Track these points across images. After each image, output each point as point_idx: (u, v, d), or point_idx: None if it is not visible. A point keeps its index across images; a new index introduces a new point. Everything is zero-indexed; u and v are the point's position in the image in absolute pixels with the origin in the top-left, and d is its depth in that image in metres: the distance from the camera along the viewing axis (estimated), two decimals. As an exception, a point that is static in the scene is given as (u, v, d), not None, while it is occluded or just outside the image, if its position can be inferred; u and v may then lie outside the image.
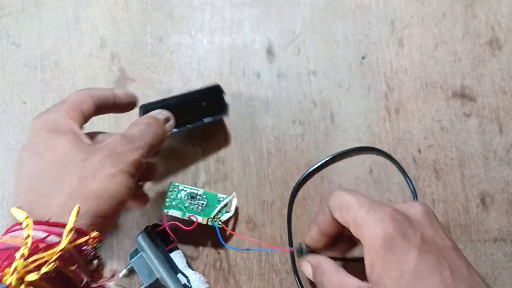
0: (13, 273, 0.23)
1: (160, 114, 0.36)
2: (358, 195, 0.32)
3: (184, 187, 0.41)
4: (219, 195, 0.41)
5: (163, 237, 0.40)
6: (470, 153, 0.44)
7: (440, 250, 0.28)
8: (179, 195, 0.41)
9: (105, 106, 0.35)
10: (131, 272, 0.41)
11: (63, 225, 0.26)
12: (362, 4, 0.47)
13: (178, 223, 0.40)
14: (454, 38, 0.46)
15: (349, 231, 0.31)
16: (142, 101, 0.39)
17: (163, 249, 0.40)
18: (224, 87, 0.45)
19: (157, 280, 0.38)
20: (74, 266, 0.26)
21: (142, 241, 0.39)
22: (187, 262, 0.40)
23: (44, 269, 0.24)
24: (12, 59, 0.47)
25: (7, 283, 0.23)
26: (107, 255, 0.42)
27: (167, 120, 0.36)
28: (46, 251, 0.25)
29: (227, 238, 0.43)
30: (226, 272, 0.42)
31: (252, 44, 0.47)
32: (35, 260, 0.24)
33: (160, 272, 0.38)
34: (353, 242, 0.36)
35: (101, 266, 0.29)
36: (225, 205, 0.41)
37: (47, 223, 0.26)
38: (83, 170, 0.28)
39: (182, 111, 0.40)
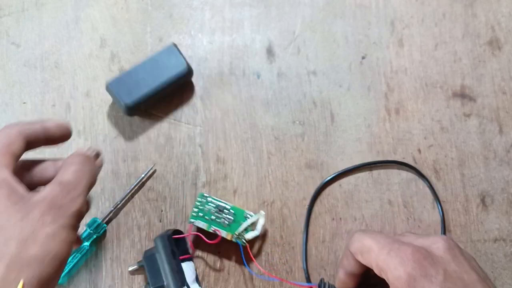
0: None
1: (90, 150, 0.33)
2: (377, 236, 0.32)
3: (213, 199, 0.41)
4: (247, 212, 0.41)
5: (182, 245, 0.40)
6: (470, 153, 0.44)
7: (464, 284, 0.28)
8: (207, 207, 0.41)
9: (36, 142, 0.31)
10: (139, 268, 0.41)
11: None
12: (362, 4, 0.47)
13: (201, 235, 0.39)
14: (454, 38, 0.46)
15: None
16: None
17: (178, 257, 0.39)
18: (224, 87, 0.45)
19: (162, 286, 0.38)
20: None
21: (160, 243, 0.39)
22: (196, 276, 0.40)
23: None
24: (12, 59, 0.47)
25: None
26: (107, 255, 0.42)
27: (97, 155, 0.33)
28: None
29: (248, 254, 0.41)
30: (226, 272, 0.42)
31: (252, 44, 0.47)
32: None
33: (168, 279, 0.38)
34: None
35: None
36: (252, 223, 0.40)
37: None
38: (22, 232, 0.25)
39: (146, 78, 0.42)
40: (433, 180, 0.43)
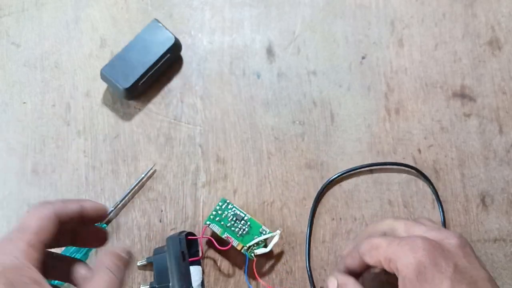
0: None
1: (122, 252, 0.28)
2: (387, 237, 0.32)
3: (233, 206, 0.41)
4: (263, 227, 0.41)
5: (193, 247, 0.40)
6: (470, 153, 0.44)
7: (473, 281, 0.28)
8: (225, 213, 0.41)
9: (69, 223, 0.28)
10: (148, 264, 0.41)
11: None
12: (362, 4, 0.47)
13: (213, 240, 0.40)
14: (454, 38, 0.46)
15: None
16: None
17: (187, 259, 0.39)
18: (224, 87, 0.45)
19: (167, 286, 0.38)
20: None
21: (171, 244, 0.39)
22: (202, 281, 0.40)
23: None
24: (12, 59, 0.47)
25: None
26: (107, 255, 0.42)
27: (128, 255, 0.29)
28: None
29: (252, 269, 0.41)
30: (226, 273, 0.42)
31: (252, 44, 0.47)
32: None
33: (174, 281, 0.38)
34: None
35: None
36: (266, 239, 0.40)
37: None
38: None
39: (137, 58, 0.43)
40: (433, 180, 0.43)
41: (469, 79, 0.46)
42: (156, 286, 0.39)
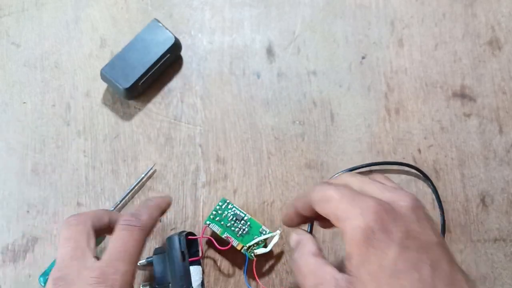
0: None
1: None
2: (340, 187, 0.30)
3: (233, 206, 0.41)
4: (263, 227, 0.41)
5: (193, 247, 0.40)
6: (470, 153, 0.44)
7: (423, 246, 0.27)
8: (225, 213, 0.41)
9: (101, 232, 0.35)
10: (148, 264, 0.41)
11: None
12: (362, 4, 0.47)
13: (213, 240, 0.40)
14: (454, 38, 0.47)
15: None
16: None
17: (187, 259, 0.39)
18: (224, 87, 0.45)
19: (167, 286, 0.38)
20: None
21: (172, 243, 0.38)
22: (202, 281, 0.40)
23: None
24: (12, 59, 0.47)
25: None
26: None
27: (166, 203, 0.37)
28: None
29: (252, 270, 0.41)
30: (226, 273, 0.42)
31: (252, 44, 0.47)
32: None
33: (174, 281, 0.38)
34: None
35: None
36: (265, 239, 0.40)
37: None
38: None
39: (137, 58, 0.43)
40: (433, 180, 0.43)
41: (469, 79, 0.46)
42: (156, 286, 0.39)
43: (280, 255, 0.42)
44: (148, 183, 0.44)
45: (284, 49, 0.47)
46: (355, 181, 0.32)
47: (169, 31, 0.44)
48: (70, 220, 0.34)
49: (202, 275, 0.40)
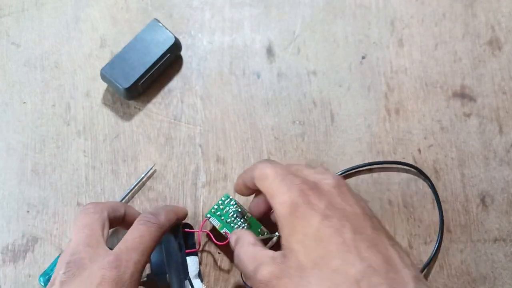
0: None
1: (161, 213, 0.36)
2: (277, 166, 0.33)
3: (236, 202, 0.41)
4: (263, 228, 0.40)
5: (190, 239, 0.40)
6: (470, 153, 0.44)
7: (345, 215, 0.29)
8: (227, 208, 0.40)
9: (115, 223, 0.37)
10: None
11: None
12: (362, 4, 0.47)
13: (211, 234, 0.40)
14: (454, 38, 0.47)
15: None
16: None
17: (184, 250, 0.39)
18: (224, 87, 0.45)
19: (164, 276, 0.38)
20: None
21: (167, 235, 0.38)
22: (199, 272, 0.40)
23: None
24: (12, 59, 0.47)
25: None
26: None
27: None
28: None
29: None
30: (226, 272, 0.42)
31: (252, 44, 0.47)
32: None
33: (171, 270, 0.38)
34: None
35: None
36: (263, 239, 0.39)
37: None
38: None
39: (137, 58, 0.43)
40: (433, 180, 0.43)
41: (469, 79, 0.46)
42: (153, 277, 0.39)
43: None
44: (148, 183, 0.44)
45: (284, 49, 0.47)
46: (295, 165, 0.35)
47: (169, 31, 0.44)
48: (88, 207, 0.34)
49: (199, 265, 0.40)
